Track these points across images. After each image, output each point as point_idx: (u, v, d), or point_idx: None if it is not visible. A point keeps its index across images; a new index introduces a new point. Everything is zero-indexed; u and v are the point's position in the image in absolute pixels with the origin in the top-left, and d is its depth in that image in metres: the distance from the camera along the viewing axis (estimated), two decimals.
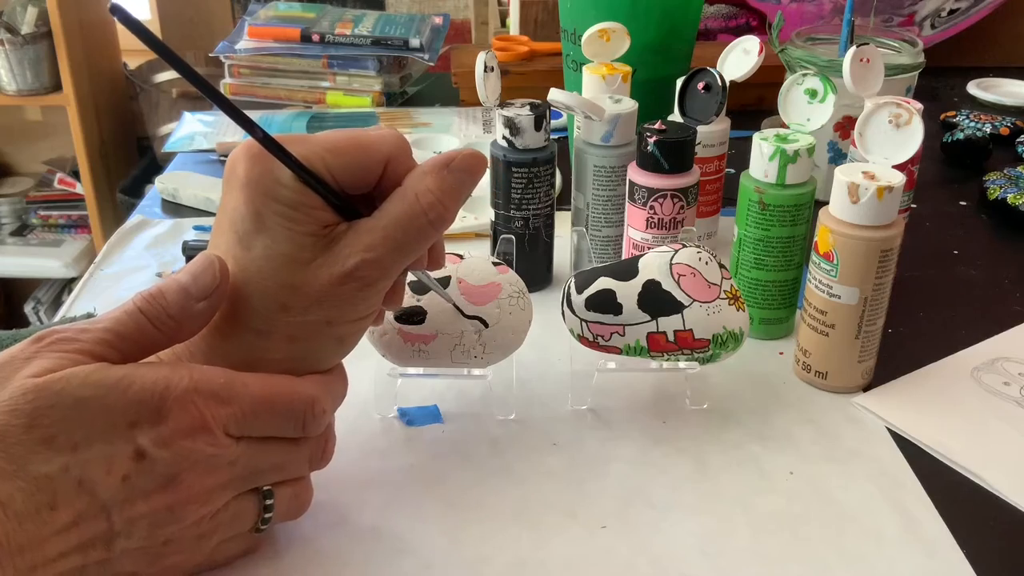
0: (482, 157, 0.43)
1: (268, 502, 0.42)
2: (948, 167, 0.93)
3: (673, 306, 0.52)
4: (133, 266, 0.74)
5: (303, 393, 0.41)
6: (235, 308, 0.41)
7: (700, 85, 0.64)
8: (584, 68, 0.72)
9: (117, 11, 0.35)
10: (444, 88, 1.15)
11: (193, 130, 1.00)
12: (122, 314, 0.39)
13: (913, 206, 0.76)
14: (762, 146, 0.58)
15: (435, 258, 0.47)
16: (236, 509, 0.41)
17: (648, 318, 0.52)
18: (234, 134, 0.98)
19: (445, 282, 0.52)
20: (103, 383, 0.36)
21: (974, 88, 1.13)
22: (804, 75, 0.62)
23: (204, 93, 0.38)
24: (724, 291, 0.53)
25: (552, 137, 0.66)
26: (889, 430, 0.55)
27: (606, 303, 0.52)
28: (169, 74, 2.10)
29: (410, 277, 0.52)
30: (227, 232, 0.41)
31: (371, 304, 0.42)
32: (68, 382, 0.35)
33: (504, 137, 0.64)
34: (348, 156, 0.41)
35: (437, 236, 0.43)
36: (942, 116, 1.04)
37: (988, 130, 0.98)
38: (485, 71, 0.64)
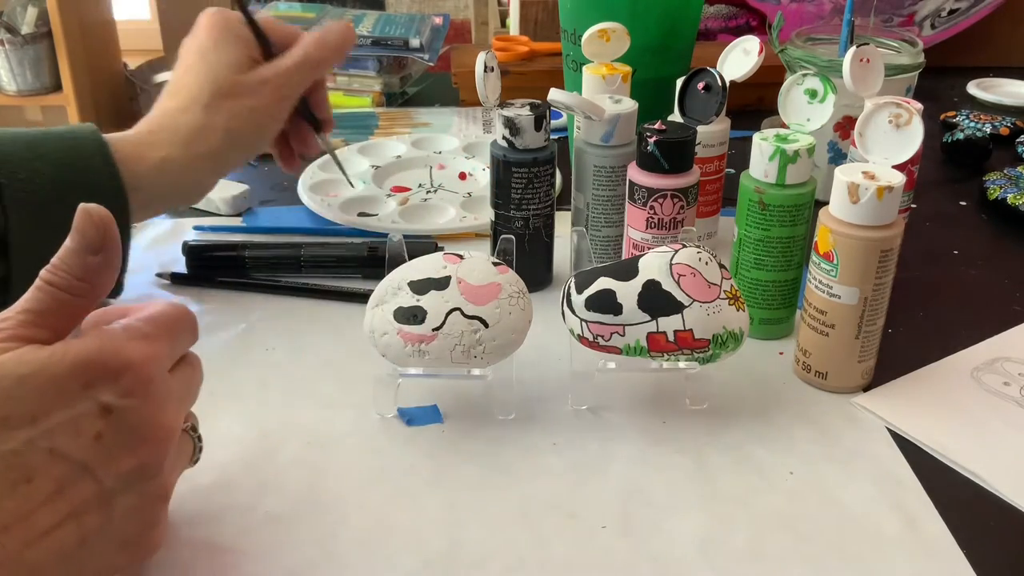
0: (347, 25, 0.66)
1: (190, 424, 0.45)
2: (948, 167, 0.93)
3: (673, 306, 0.52)
4: (133, 266, 0.73)
5: (180, 306, 0.42)
6: (195, 91, 0.61)
7: (700, 85, 0.64)
8: (584, 68, 0.72)
9: None
10: (444, 88, 1.14)
11: None
12: (33, 291, 0.39)
13: (913, 206, 0.76)
14: (762, 146, 0.58)
15: (318, 102, 0.69)
16: (181, 444, 0.43)
17: (648, 318, 0.52)
18: None
19: (445, 282, 0.52)
20: (37, 359, 0.36)
21: (974, 88, 1.13)
22: (804, 75, 0.62)
23: None
24: (724, 291, 0.53)
25: (552, 137, 0.66)
26: (889, 430, 0.55)
27: (606, 303, 0.52)
28: (169, 74, 2.10)
29: (409, 277, 0.52)
30: (193, 53, 0.63)
31: (283, 108, 0.64)
32: (3, 366, 0.35)
33: (504, 137, 0.64)
34: (274, 33, 0.65)
35: (325, 55, 0.65)
36: (942, 116, 1.04)
37: (988, 130, 0.98)
38: (485, 71, 0.64)
